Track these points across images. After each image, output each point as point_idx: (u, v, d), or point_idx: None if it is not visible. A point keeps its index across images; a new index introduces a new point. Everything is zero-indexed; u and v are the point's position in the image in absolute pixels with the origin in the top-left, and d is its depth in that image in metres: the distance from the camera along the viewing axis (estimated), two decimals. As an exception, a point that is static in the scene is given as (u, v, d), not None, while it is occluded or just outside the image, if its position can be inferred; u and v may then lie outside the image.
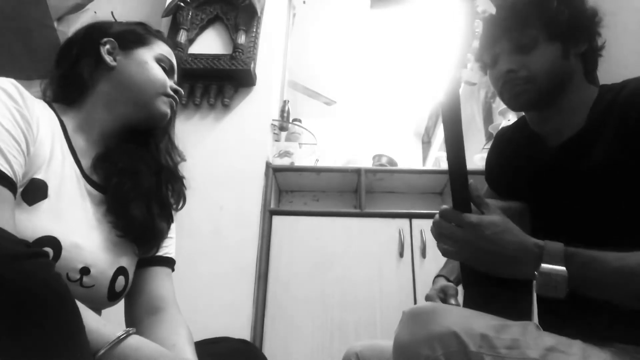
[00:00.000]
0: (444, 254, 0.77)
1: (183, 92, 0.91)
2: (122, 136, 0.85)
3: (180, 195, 0.90)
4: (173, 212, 0.90)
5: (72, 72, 0.83)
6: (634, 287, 0.64)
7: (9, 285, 0.44)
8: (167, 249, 0.91)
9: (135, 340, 0.64)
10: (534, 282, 0.67)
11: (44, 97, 0.83)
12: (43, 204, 0.68)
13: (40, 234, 0.65)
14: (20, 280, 0.45)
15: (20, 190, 0.65)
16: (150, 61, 0.86)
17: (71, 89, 0.83)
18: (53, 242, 0.66)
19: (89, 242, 0.72)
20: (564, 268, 0.65)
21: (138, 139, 0.87)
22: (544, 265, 0.65)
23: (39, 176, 0.69)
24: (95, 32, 0.86)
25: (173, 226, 0.93)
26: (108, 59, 0.83)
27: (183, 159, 0.93)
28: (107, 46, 0.85)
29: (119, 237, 0.78)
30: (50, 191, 0.69)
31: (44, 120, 0.73)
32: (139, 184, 0.81)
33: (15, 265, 0.45)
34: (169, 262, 0.90)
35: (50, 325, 0.46)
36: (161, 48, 0.89)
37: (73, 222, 0.72)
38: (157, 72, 0.86)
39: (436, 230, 0.76)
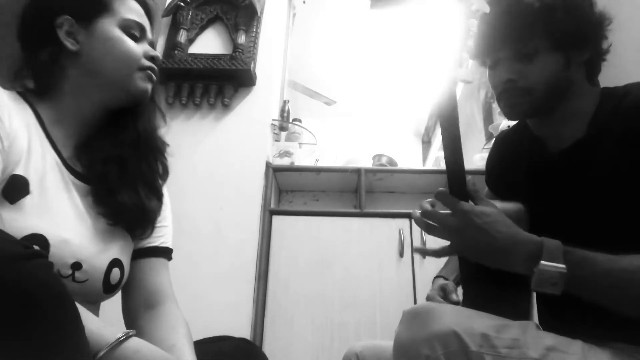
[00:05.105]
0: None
1: (160, 57, 0.82)
2: (102, 120, 0.80)
3: (165, 169, 0.86)
4: (163, 188, 0.86)
5: (35, 63, 0.76)
6: (622, 290, 0.65)
7: (8, 286, 0.44)
8: (163, 238, 0.87)
9: (135, 343, 0.63)
10: (531, 277, 0.66)
11: (14, 87, 0.76)
12: (26, 201, 0.64)
13: (26, 232, 0.62)
14: (21, 282, 0.45)
15: (0, 188, 0.63)
16: (116, 33, 0.77)
17: (39, 79, 0.76)
18: (40, 240, 0.63)
19: (77, 236, 0.70)
20: (564, 265, 0.64)
21: (118, 119, 0.81)
22: (543, 262, 0.65)
23: (18, 172, 0.65)
24: (47, 8, 0.77)
25: (168, 214, 0.89)
26: (69, 43, 0.75)
27: (164, 123, 0.87)
28: (65, 27, 0.75)
29: (109, 225, 0.76)
30: (32, 186, 0.66)
31: (17, 112, 0.69)
32: (124, 169, 0.78)
33: (15, 266, 0.45)
34: (165, 253, 0.88)
35: (50, 327, 0.46)
36: (126, 7, 0.80)
37: (59, 216, 0.69)
38: (127, 47, 0.78)
39: (424, 223, 0.77)
